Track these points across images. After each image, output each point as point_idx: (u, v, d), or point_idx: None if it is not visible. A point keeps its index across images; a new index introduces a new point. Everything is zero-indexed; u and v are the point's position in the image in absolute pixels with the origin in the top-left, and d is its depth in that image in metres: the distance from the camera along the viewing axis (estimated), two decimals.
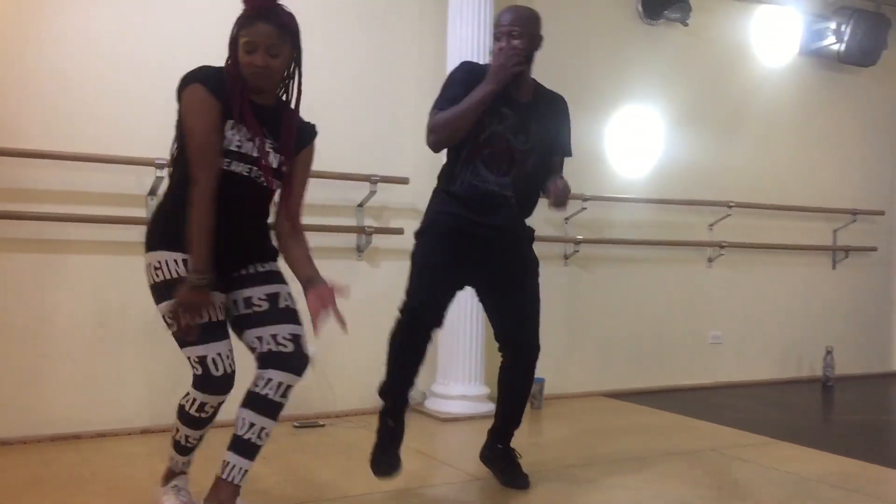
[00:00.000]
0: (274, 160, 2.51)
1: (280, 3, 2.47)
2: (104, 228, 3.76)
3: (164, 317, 2.42)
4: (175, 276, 2.39)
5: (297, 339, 2.49)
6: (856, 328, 6.32)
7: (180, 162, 2.47)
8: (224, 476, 2.44)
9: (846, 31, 5.86)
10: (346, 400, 4.23)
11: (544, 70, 4.94)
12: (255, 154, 2.46)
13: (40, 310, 3.69)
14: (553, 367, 4.94)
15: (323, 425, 4.03)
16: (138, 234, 3.76)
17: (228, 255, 2.46)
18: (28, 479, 3.09)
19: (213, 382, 2.41)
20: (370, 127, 4.46)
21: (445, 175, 3.13)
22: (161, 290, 2.42)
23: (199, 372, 2.41)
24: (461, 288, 3.11)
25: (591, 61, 5.18)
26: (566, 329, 5.09)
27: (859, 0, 6.05)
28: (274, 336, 2.47)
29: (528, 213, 3.21)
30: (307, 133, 2.65)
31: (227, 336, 2.47)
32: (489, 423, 3.38)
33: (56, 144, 3.66)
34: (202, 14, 3.96)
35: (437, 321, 2.96)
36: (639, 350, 5.35)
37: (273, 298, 2.54)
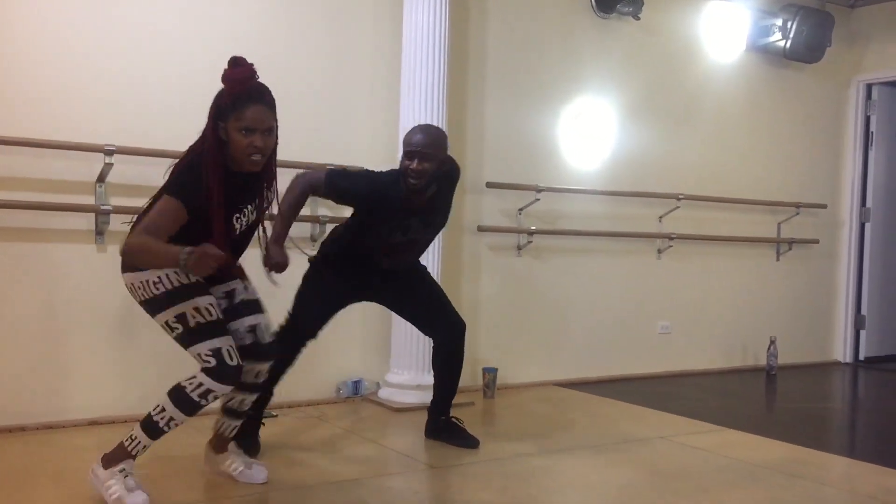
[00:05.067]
0: (250, 217, 2.73)
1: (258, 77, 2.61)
2: (52, 216, 3.67)
3: (166, 323, 2.62)
4: (173, 286, 2.58)
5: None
6: (798, 318, 6.48)
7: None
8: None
9: (792, 27, 5.99)
10: (297, 390, 4.20)
11: (497, 63, 5.01)
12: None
13: None
14: (505, 357, 4.99)
15: (276, 415, 4.00)
16: (86, 221, 3.75)
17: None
18: None
19: (228, 371, 2.59)
20: (324, 118, 4.41)
21: (346, 242, 3.41)
22: (161, 301, 2.60)
23: (214, 364, 2.58)
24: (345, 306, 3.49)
25: (544, 54, 5.21)
26: (518, 319, 5.13)
27: None
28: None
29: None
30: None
31: (229, 333, 2.68)
32: None
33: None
34: None
35: (314, 338, 3.41)
36: (590, 340, 5.42)
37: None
